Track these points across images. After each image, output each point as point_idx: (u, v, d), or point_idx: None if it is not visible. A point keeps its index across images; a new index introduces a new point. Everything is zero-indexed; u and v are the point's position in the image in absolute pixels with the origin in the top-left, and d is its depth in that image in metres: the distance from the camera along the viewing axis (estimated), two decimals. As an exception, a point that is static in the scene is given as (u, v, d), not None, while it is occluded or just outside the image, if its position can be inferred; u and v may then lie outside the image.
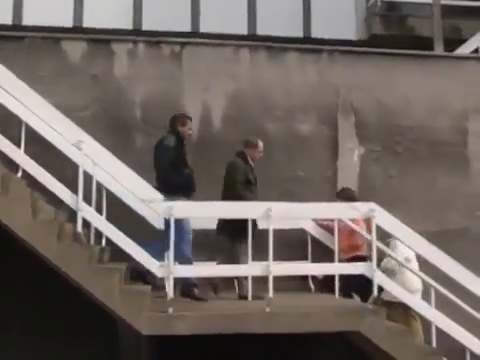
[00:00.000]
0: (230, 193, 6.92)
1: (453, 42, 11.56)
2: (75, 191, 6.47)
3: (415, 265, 7.29)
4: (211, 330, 5.99)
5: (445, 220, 8.89)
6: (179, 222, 6.21)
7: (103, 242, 6.84)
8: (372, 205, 6.32)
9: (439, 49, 9.55)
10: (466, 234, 8.93)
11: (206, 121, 8.51)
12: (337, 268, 6.44)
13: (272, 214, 6.04)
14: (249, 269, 6.17)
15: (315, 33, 13.12)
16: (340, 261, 6.90)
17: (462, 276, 6.52)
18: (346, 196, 7.81)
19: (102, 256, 6.66)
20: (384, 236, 7.08)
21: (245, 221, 6.19)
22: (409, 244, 6.47)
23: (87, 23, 12.21)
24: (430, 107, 9.02)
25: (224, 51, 8.66)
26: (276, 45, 8.82)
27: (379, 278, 6.26)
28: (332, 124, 8.77)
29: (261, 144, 7.52)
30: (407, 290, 6.64)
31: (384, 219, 6.36)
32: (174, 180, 6.68)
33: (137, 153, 8.26)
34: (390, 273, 6.91)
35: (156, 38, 8.64)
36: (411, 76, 9.00)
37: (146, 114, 8.39)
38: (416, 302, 6.64)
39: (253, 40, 9.45)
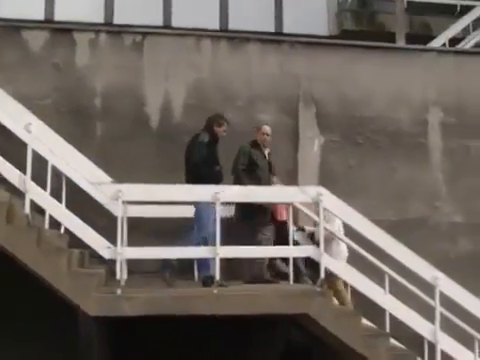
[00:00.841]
0: (233, 176, 7.14)
1: (423, 38, 11.75)
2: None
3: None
4: (158, 311, 6.06)
5: (405, 210, 8.99)
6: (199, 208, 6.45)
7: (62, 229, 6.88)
8: (320, 189, 6.39)
9: (401, 42, 9.67)
10: (425, 224, 9.04)
11: (167, 110, 8.58)
12: (285, 251, 6.51)
13: (221, 197, 6.10)
14: (197, 252, 6.24)
15: (287, 28, 13.28)
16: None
17: (408, 259, 6.57)
18: None
19: (59, 241, 6.69)
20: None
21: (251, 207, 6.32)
22: (357, 228, 6.54)
23: (59, 17, 12.34)
24: (391, 98, 9.11)
25: (185, 41, 8.74)
26: (238, 36, 8.92)
27: (327, 261, 6.33)
28: (293, 114, 8.85)
29: (266, 128, 7.67)
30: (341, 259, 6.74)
31: (331, 203, 6.44)
32: (204, 175, 6.80)
33: (97, 141, 8.35)
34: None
35: (118, 28, 8.71)
36: (372, 68, 9.10)
37: (107, 103, 8.45)
38: (368, 286, 6.69)
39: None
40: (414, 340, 7.19)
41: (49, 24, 8.97)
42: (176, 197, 6.23)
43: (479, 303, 6.65)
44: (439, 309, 6.53)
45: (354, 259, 7.28)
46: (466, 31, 12.93)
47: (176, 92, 8.62)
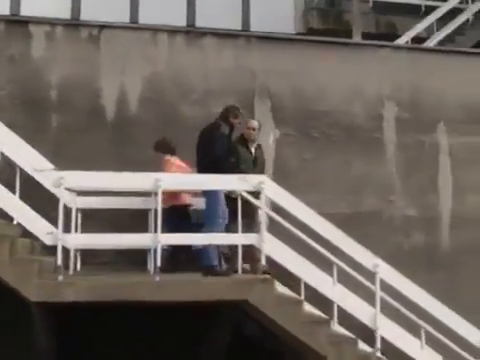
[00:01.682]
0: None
1: (389, 37, 11.89)
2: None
3: None
4: (99, 297, 6.12)
5: (359, 203, 9.11)
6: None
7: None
8: (262, 177, 6.48)
9: (357, 37, 9.80)
10: (379, 217, 9.16)
11: (123, 103, 8.65)
12: (232, 239, 6.58)
13: (161, 185, 6.18)
14: (137, 239, 6.31)
15: (254, 27, 13.40)
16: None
17: (349, 246, 6.67)
18: (164, 146, 7.80)
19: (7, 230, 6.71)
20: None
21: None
22: (299, 216, 6.63)
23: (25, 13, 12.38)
24: (346, 93, 9.23)
25: (142, 35, 8.83)
26: (194, 30, 9.01)
27: (268, 248, 6.42)
28: (248, 108, 8.92)
29: (254, 122, 7.77)
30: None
31: (273, 191, 6.53)
32: (224, 166, 6.83)
33: (52, 134, 8.40)
34: None
35: (75, 21, 8.78)
36: (328, 63, 9.21)
37: (62, 95, 8.50)
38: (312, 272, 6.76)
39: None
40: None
41: (4, 16, 8.96)
42: (118, 185, 6.30)
43: (418, 290, 6.74)
44: (379, 295, 6.62)
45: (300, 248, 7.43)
46: (430, 30, 13.15)
47: (132, 85, 8.69)
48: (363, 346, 6.79)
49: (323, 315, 6.71)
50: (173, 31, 8.96)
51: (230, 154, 7.15)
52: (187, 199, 7.47)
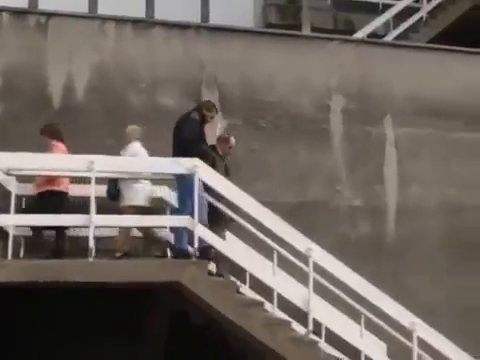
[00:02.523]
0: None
1: (347, 34, 12.03)
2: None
3: None
4: (30, 278, 6.13)
5: (306, 193, 9.22)
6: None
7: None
8: (195, 161, 6.55)
9: (306, 30, 9.92)
10: (326, 207, 9.28)
11: (69, 91, 8.68)
12: (162, 220, 6.64)
13: (96, 167, 6.23)
14: (73, 219, 6.35)
15: (213, 21, 13.46)
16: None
17: (283, 230, 6.76)
18: (50, 131, 7.68)
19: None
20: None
21: None
22: (232, 199, 6.71)
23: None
24: (294, 84, 9.35)
25: (90, 24, 8.87)
26: (142, 19, 9.07)
27: (200, 231, 6.49)
28: (196, 98, 9.00)
29: (233, 140, 7.84)
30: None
31: (207, 175, 6.60)
32: (195, 150, 6.87)
33: (-1, 122, 8.41)
34: None
35: (22, 8, 8.80)
36: (276, 54, 9.33)
37: (8, 82, 8.51)
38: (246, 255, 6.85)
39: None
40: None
41: None
42: (52, 166, 6.34)
43: (350, 271, 6.85)
44: (312, 276, 6.72)
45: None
46: (387, 27, 13.34)
47: (79, 73, 8.73)
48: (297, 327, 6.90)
49: (258, 297, 6.79)
50: (121, 21, 9.01)
51: (205, 157, 7.09)
52: (65, 185, 7.24)
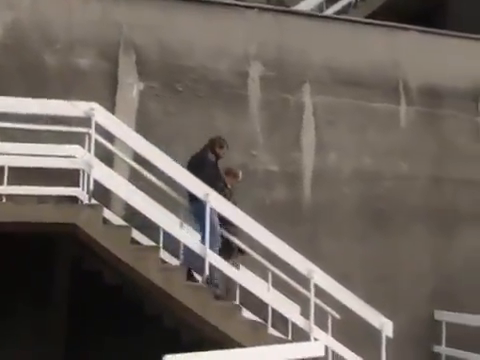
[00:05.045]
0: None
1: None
2: None
3: None
4: None
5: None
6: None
7: None
8: (92, 104, 6.59)
9: (226, -1, 10.04)
10: (242, 171, 9.34)
11: (-18, 49, 8.64)
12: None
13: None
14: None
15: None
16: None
17: (181, 175, 6.84)
18: None
19: None
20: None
21: None
22: (133, 146, 6.76)
23: None
24: (212, 50, 9.44)
25: (5, -19, 8.84)
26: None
27: (98, 175, 6.52)
28: (113, 60, 9.06)
29: (240, 174, 8.31)
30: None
31: (104, 118, 6.64)
32: (215, 190, 7.20)
33: None
34: None
35: None
36: (194, 19, 9.42)
37: None
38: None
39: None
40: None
41: None
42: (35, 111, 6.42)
43: (243, 216, 6.95)
44: (208, 226, 6.80)
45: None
46: (321, 9, 13.60)
47: (-7, 31, 8.69)
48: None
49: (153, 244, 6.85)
50: (38, -20, 9.00)
51: (219, 179, 7.68)
52: None
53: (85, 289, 7.53)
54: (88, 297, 7.68)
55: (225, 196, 7.44)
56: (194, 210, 7.31)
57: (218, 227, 7.25)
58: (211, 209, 6.94)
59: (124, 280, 7.09)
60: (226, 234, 7.37)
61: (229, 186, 8.08)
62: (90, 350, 7.98)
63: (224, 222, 7.31)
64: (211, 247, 6.94)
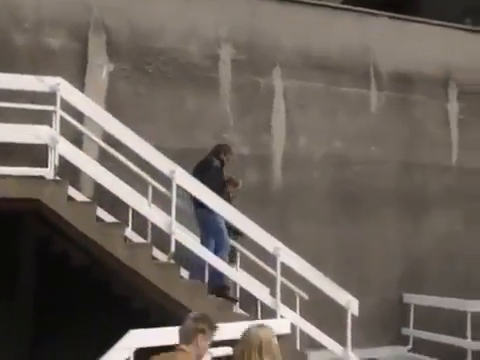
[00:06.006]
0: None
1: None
2: None
3: None
4: None
5: (193, 139, 9.30)
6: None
7: None
8: (58, 79, 6.54)
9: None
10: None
11: None
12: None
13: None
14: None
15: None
16: None
17: (148, 153, 6.83)
18: None
19: None
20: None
21: None
22: (99, 121, 6.73)
23: None
24: (183, 32, 9.41)
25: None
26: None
27: (62, 147, 6.48)
28: (82, 41, 8.99)
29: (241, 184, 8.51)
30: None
31: (70, 93, 6.61)
32: (222, 196, 7.32)
33: None
34: None
35: None
36: (166, 1, 9.39)
37: None
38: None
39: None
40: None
41: None
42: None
43: (213, 196, 6.97)
44: (175, 201, 6.80)
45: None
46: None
47: (-42, 9, 8.59)
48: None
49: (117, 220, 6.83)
50: (7, -42, 8.91)
51: (224, 185, 7.82)
52: None
53: (52, 271, 7.47)
54: (55, 280, 7.63)
55: (227, 201, 7.61)
56: (200, 217, 7.42)
57: (226, 235, 7.45)
58: (219, 215, 7.12)
59: (92, 260, 7.06)
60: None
61: (231, 194, 8.26)
62: (57, 334, 7.94)
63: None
64: (219, 251, 7.15)
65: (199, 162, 7.81)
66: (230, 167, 9.06)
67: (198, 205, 7.25)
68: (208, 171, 7.54)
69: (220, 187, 7.52)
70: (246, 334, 3.46)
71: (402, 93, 10.54)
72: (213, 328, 3.93)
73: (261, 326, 3.54)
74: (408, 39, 10.64)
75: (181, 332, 3.90)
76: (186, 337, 3.86)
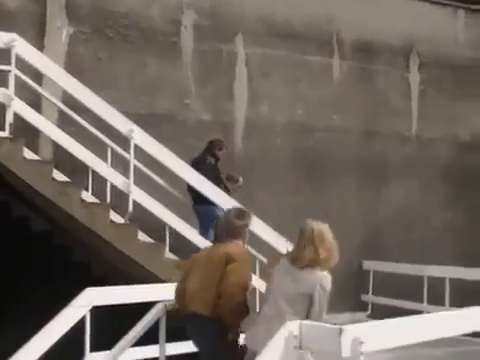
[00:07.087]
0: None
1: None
2: None
3: None
4: None
5: (154, 104, 9.23)
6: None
7: None
8: (13, 35, 6.41)
9: None
10: (174, 119, 9.32)
11: None
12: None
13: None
14: None
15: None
16: None
17: (105, 111, 6.75)
18: None
19: None
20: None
21: None
22: (51, 76, 6.62)
23: None
24: (145, -3, 9.32)
25: None
26: None
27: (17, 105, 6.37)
28: (41, 3, 8.80)
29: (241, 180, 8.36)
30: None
31: (24, 49, 6.48)
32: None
33: None
34: None
35: None
36: (127, -35, 9.26)
37: None
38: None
39: None
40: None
41: None
42: None
43: (173, 157, 6.93)
44: (133, 162, 6.76)
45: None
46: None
47: None
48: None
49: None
50: None
51: (219, 181, 7.86)
52: None
53: (12, 238, 7.37)
54: (15, 246, 7.53)
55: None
56: (202, 211, 7.52)
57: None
58: (219, 207, 7.15)
59: (51, 225, 6.99)
60: None
61: (230, 190, 8.24)
62: (17, 301, 7.85)
63: None
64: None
65: (193, 159, 7.90)
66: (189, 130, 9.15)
67: (198, 201, 7.43)
68: (202, 169, 7.63)
69: (215, 183, 7.60)
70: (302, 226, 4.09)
71: (365, 63, 10.59)
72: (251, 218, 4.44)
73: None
74: (372, 9, 10.67)
75: (224, 230, 4.37)
76: (233, 234, 4.33)
